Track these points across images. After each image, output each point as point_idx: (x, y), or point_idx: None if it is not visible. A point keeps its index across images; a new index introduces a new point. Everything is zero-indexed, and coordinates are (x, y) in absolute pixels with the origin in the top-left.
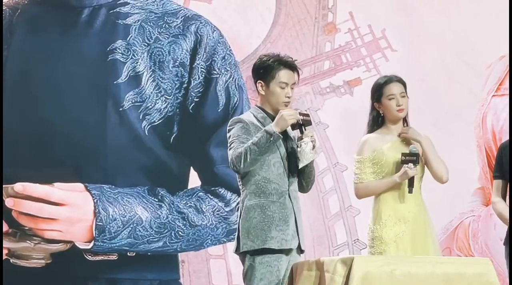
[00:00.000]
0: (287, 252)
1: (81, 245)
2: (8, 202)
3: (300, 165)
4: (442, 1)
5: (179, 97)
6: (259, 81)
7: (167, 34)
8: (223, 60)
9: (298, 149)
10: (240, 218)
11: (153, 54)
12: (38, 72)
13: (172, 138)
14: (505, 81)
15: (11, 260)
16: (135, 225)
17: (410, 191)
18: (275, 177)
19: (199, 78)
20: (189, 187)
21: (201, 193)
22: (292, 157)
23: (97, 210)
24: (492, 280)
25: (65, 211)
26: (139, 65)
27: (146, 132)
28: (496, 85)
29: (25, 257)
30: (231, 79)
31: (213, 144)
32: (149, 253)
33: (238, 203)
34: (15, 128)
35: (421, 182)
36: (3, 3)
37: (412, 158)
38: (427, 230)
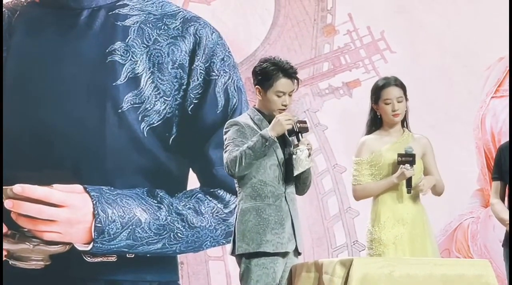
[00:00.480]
0: (283, 254)
1: (80, 247)
2: (7, 204)
3: (295, 173)
4: (441, 2)
5: (178, 99)
6: (257, 86)
7: (166, 36)
8: (222, 61)
9: (294, 156)
10: (235, 220)
11: (152, 56)
12: (37, 74)
13: (171, 139)
14: (504, 82)
15: (10, 262)
16: (134, 226)
17: (409, 192)
18: (271, 180)
19: (198, 80)
20: (188, 188)
21: (200, 195)
22: (289, 160)
23: (96, 211)
24: (491, 281)
25: (64, 213)
26: (138, 66)
27: (145, 133)
28: (495, 86)
29: (24, 259)
30: (230, 80)
31: (212, 145)
32: (148, 255)
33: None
34: (14, 130)
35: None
36: (3, 5)
37: (408, 158)
38: (426, 232)
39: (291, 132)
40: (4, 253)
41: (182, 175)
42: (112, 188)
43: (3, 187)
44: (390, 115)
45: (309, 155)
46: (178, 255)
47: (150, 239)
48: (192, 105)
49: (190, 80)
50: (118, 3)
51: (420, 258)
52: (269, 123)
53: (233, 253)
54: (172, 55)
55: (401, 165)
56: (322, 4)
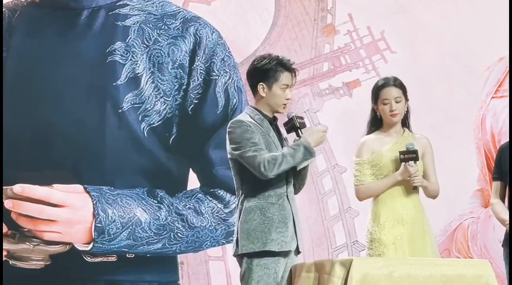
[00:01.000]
0: (285, 254)
1: (80, 247)
2: (7, 204)
3: (299, 167)
4: (441, 3)
5: (178, 99)
6: (260, 83)
7: (166, 36)
8: (222, 61)
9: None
10: (239, 220)
11: (152, 56)
12: (37, 74)
13: (171, 139)
14: (504, 82)
15: (10, 262)
16: (134, 226)
17: (415, 188)
18: (274, 179)
19: (198, 80)
20: (188, 188)
21: (200, 195)
22: None
23: (96, 211)
24: (491, 282)
25: (64, 213)
26: (138, 66)
27: (145, 133)
28: (495, 87)
29: (24, 259)
30: (230, 80)
31: (212, 145)
32: (148, 255)
33: (236, 205)
34: (14, 130)
35: None
36: (3, 5)
37: (412, 155)
38: (426, 232)
39: (292, 128)
40: (4, 253)
41: (182, 175)
42: (112, 188)
43: (4, 187)
44: (388, 115)
45: None
46: (178, 255)
47: (150, 239)
48: (192, 105)
49: (190, 80)
50: (118, 3)
51: (420, 258)
52: (269, 122)
53: (236, 253)
54: (172, 55)
55: (404, 162)
56: (322, 4)
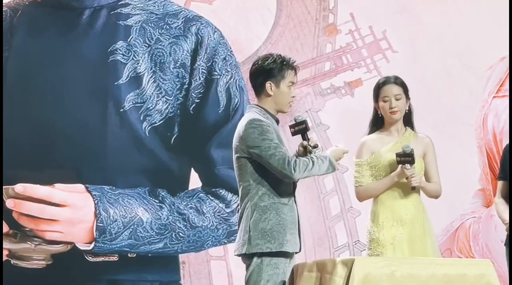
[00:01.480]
0: (292, 255)
1: (82, 246)
2: (9, 203)
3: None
4: (442, 2)
5: (180, 98)
6: (268, 81)
7: (168, 35)
8: (224, 61)
9: (313, 155)
10: (251, 218)
11: (154, 55)
12: (39, 73)
13: (172, 139)
14: (506, 82)
15: (11, 261)
16: (135, 226)
17: (413, 189)
18: (284, 180)
19: (199, 79)
20: (190, 188)
21: (201, 194)
22: None
23: (97, 211)
24: (492, 281)
25: (66, 212)
26: (140, 66)
27: (147, 133)
28: (496, 86)
29: (25, 258)
30: (232, 80)
31: (214, 145)
32: (149, 254)
33: (238, 205)
34: (16, 129)
35: None
36: (5, 4)
37: (407, 158)
38: (426, 232)
39: (300, 131)
40: (6, 252)
41: (184, 175)
42: (114, 187)
43: (5, 187)
44: (388, 113)
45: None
46: (180, 255)
47: (151, 238)
48: (194, 105)
49: (192, 79)
50: (120, 3)
51: (422, 257)
52: (277, 123)
53: (246, 251)
54: (174, 55)
55: (401, 165)
56: (324, 4)
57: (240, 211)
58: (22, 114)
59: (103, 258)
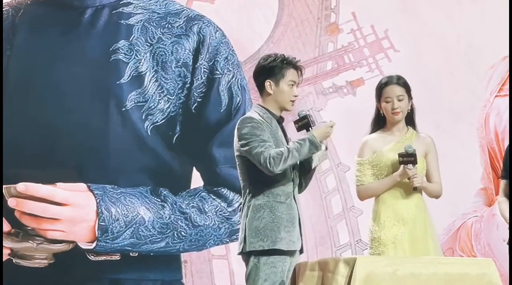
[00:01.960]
0: (291, 253)
1: (84, 245)
2: (11, 202)
3: (313, 165)
4: (444, 1)
5: (182, 97)
6: (267, 80)
7: (169, 34)
8: (226, 60)
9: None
10: (246, 217)
11: (156, 54)
12: (41, 72)
13: (174, 138)
14: (508, 81)
15: (14, 260)
16: (137, 225)
17: (414, 189)
18: (281, 178)
19: (201, 78)
20: (192, 187)
21: (203, 193)
22: None
23: (99, 210)
24: (494, 280)
25: (68, 211)
26: (142, 65)
27: (149, 132)
28: (498, 85)
29: (28, 257)
30: (233, 79)
31: (216, 144)
32: (151, 254)
33: (240, 204)
34: (18, 128)
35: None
36: (6, 3)
37: (410, 158)
38: (427, 232)
39: (304, 126)
40: (8, 251)
41: (186, 174)
42: (116, 186)
43: (7, 186)
44: (390, 113)
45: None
46: (182, 254)
47: (153, 237)
48: (196, 104)
49: (193, 78)
50: (122, 2)
51: (424, 257)
52: (277, 121)
53: (243, 250)
54: (176, 54)
55: (403, 165)
56: (325, 3)
57: (241, 209)
58: (24, 113)
59: (105, 257)
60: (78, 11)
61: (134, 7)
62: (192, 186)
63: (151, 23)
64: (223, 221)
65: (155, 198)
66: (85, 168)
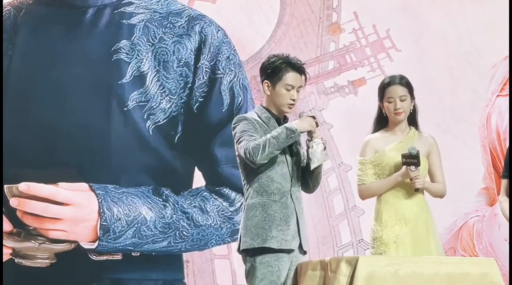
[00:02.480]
0: (288, 252)
1: (86, 245)
2: (13, 202)
3: (312, 166)
4: (446, 1)
5: (184, 97)
6: (265, 81)
7: (171, 34)
8: (228, 60)
9: (310, 150)
10: (242, 216)
11: (157, 54)
12: (43, 72)
13: (176, 138)
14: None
15: (15, 260)
16: (139, 225)
17: (416, 190)
18: (278, 176)
19: (203, 78)
20: (194, 187)
21: (205, 193)
22: (296, 157)
23: (101, 210)
24: (496, 280)
25: (70, 211)
26: (144, 65)
27: (151, 132)
28: (500, 85)
29: (29, 257)
30: (235, 79)
31: (218, 144)
32: (153, 253)
33: (242, 203)
34: (20, 128)
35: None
36: (8, 3)
37: (413, 160)
38: (429, 231)
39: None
40: (10, 251)
41: (188, 174)
42: (118, 186)
43: (9, 185)
44: (393, 113)
45: (324, 148)
46: (184, 254)
47: (155, 237)
48: (198, 104)
49: (195, 78)
50: (124, 1)
51: (426, 256)
52: (277, 121)
53: (238, 249)
54: (178, 54)
55: (406, 166)
56: (327, 3)
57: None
58: (26, 113)
59: (107, 257)
60: (80, 11)
61: (136, 6)
62: (194, 186)
63: (153, 23)
64: (225, 220)
65: (157, 198)
66: (87, 167)
